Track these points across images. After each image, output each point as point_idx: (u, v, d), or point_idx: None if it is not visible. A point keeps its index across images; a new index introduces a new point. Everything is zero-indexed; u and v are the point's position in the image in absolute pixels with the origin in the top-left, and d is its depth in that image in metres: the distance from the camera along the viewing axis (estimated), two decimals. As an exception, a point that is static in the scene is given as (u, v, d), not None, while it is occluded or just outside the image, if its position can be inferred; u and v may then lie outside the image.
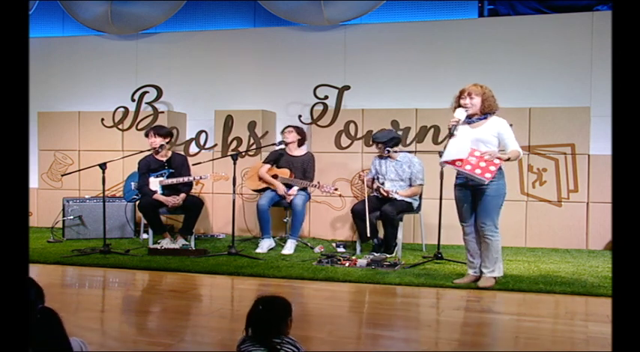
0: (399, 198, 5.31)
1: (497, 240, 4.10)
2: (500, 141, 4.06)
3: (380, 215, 5.30)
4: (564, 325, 3.42)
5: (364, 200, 5.37)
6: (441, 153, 5.05)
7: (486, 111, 4.06)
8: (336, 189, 5.48)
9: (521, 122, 5.86)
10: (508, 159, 4.03)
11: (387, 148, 5.41)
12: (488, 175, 3.92)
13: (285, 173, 5.75)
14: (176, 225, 6.49)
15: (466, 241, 4.27)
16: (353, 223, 5.60)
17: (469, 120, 4.09)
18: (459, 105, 4.10)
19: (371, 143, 5.67)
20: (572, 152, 5.84)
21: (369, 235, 5.28)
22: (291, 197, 5.60)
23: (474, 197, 4.12)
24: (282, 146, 5.90)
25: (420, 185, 5.46)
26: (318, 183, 5.58)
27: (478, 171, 3.94)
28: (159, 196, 5.61)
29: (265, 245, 5.61)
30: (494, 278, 4.16)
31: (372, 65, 6.66)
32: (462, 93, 4.11)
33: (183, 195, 5.62)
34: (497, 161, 3.95)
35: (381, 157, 5.56)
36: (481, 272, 4.20)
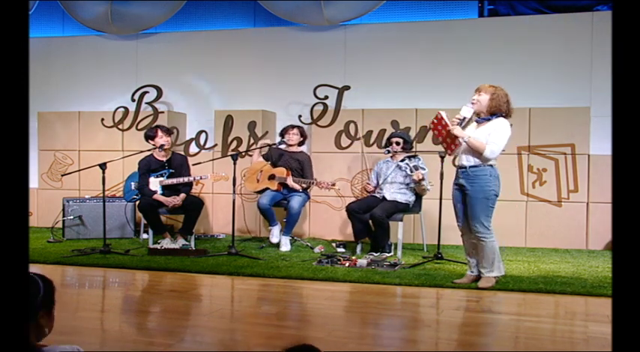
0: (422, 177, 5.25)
1: (491, 240, 4.06)
2: None
3: (369, 217, 5.32)
4: (564, 325, 3.43)
5: (360, 199, 5.56)
6: (440, 154, 5.12)
7: (493, 111, 4.01)
8: (333, 184, 5.50)
9: (521, 122, 5.86)
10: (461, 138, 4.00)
11: (404, 147, 5.48)
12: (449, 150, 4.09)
13: (282, 172, 5.75)
14: (176, 225, 6.49)
15: (462, 241, 4.29)
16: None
17: (477, 119, 4.08)
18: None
19: (390, 141, 5.55)
20: (572, 152, 5.84)
21: (356, 239, 5.52)
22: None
23: (463, 197, 4.13)
24: (283, 146, 5.91)
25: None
26: (315, 180, 5.61)
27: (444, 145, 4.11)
28: (159, 197, 5.60)
29: (277, 232, 5.73)
30: (495, 278, 4.15)
31: (372, 65, 6.66)
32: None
33: (182, 196, 5.62)
34: (459, 140, 3.99)
35: (390, 157, 5.59)
36: (480, 272, 4.20)
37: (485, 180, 4.00)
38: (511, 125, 4.11)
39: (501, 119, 4.02)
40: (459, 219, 4.22)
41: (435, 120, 4.15)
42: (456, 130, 3.99)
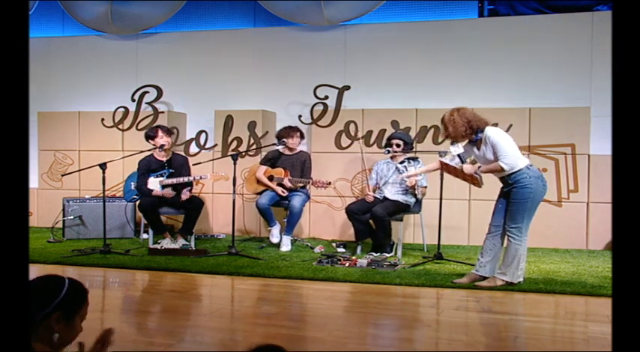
0: (418, 180, 5.29)
1: (517, 243, 4.03)
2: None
3: (370, 216, 5.32)
4: (564, 325, 3.43)
5: (359, 200, 5.56)
6: (441, 153, 5.12)
7: (466, 136, 4.05)
8: (329, 183, 5.49)
9: (521, 122, 5.86)
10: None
11: (405, 149, 5.47)
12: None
13: (279, 172, 5.76)
14: (176, 225, 6.49)
15: (484, 239, 4.26)
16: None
17: (472, 143, 4.10)
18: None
19: (391, 142, 5.52)
20: (572, 152, 5.84)
21: (357, 239, 5.49)
22: (286, 193, 5.67)
23: (507, 200, 4.11)
24: (281, 147, 5.92)
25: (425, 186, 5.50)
26: (312, 179, 5.61)
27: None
28: (158, 191, 5.61)
29: (277, 232, 5.75)
30: (504, 281, 4.09)
31: (372, 65, 6.66)
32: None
33: (188, 194, 5.63)
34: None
35: (390, 158, 5.57)
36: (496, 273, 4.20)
37: (526, 182, 3.95)
38: (511, 126, 4.12)
39: (488, 131, 4.01)
40: (492, 219, 4.21)
41: (444, 167, 4.26)
42: (466, 169, 4.06)
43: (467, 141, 4.13)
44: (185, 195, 5.60)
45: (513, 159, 3.95)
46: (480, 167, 4.08)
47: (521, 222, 4.02)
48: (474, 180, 4.13)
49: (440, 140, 5.86)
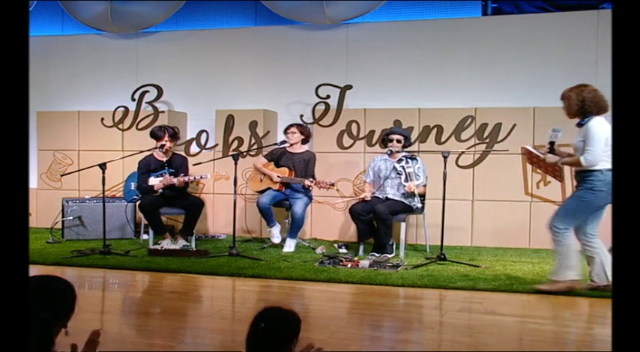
0: (417, 186, 5.25)
1: (557, 240, 3.86)
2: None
3: (373, 214, 5.28)
4: (567, 326, 3.41)
5: (361, 201, 5.47)
6: (444, 154, 5.09)
7: (575, 116, 3.89)
8: (332, 185, 5.43)
9: (526, 121, 5.83)
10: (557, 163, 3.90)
11: (405, 145, 5.41)
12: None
13: (284, 172, 5.72)
14: (176, 225, 6.46)
15: None
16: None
17: (579, 125, 3.91)
18: None
19: (390, 138, 5.43)
20: (575, 152, 5.80)
21: (360, 239, 5.45)
22: (278, 181, 5.63)
23: None
24: (285, 145, 5.88)
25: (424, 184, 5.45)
26: (314, 180, 5.55)
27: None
28: (159, 184, 5.58)
29: (277, 232, 5.71)
30: (555, 281, 3.92)
31: (374, 64, 6.63)
32: None
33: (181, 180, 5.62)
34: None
35: (388, 155, 5.50)
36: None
37: (592, 184, 3.77)
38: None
39: (593, 120, 3.80)
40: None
41: (527, 155, 4.11)
42: (549, 158, 3.94)
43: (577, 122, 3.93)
44: (179, 180, 5.57)
45: (596, 157, 3.72)
46: (562, 158, 3.91)
47: (563, 215, 3.86)
48: (555, 172, 3.94)
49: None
